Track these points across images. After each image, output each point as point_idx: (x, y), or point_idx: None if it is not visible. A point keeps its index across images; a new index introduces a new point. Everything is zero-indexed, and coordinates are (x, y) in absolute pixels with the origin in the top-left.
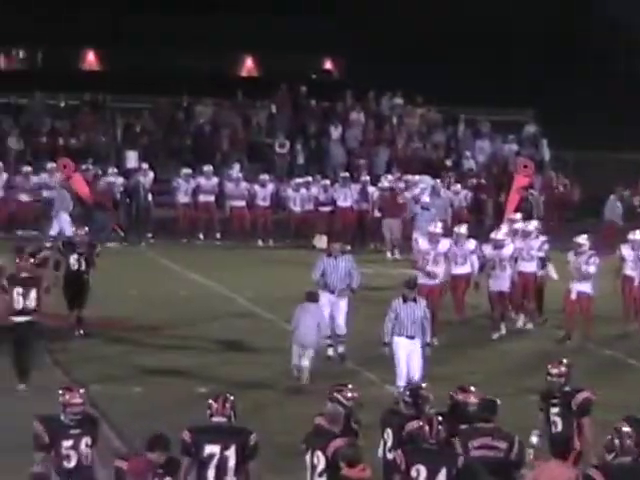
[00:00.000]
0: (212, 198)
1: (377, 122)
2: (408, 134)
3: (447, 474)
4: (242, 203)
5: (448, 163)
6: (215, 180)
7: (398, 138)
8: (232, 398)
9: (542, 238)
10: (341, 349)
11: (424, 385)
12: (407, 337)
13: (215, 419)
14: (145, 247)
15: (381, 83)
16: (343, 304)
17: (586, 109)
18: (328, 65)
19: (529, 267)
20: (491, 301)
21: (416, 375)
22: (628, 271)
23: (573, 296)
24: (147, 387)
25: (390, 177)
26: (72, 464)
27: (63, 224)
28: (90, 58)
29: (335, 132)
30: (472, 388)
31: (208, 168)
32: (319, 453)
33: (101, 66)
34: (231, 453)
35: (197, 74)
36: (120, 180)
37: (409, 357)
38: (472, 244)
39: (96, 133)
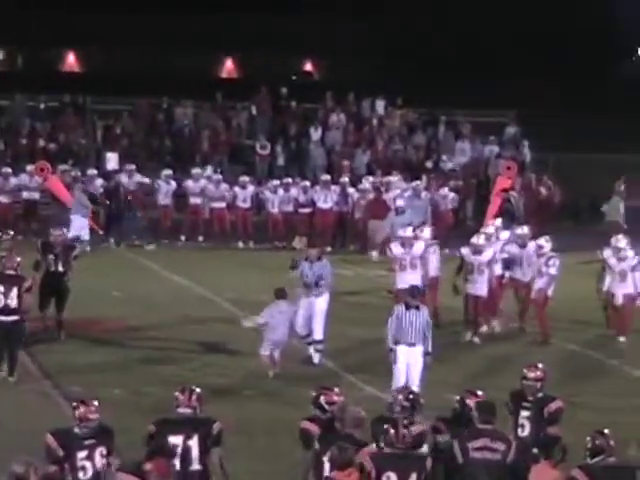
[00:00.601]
0: (200, 200)
1: (357, 124)
2: (388, 136)
3: (417, 478)
4: (222, 205)
5: (428, 165)
6: (203, 182)
7: (378, 140)
8: (198, 390)
9: (501, 241)
10: (317, 359)
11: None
12: (408, 345)
13: (181, 410)
14: (124, 248)
15: (361, 85)
16: (319, 307)
17: (567, 110)
18: (308, 67)
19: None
20: (466, 304)
21: (415, 382)
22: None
23: (533, 295)
24: (126, 389)
25: (371, 179)
26: (88, 475)
27: (80, 229)
28: (70, 60)
29: (315, 134)
30: (480, 392)
31: (196, 171)
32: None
33: (81, 68)
34: (194, 443)
35: (177, 75)
36: (100, 182)
37: (409, 365)
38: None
39: (76, 135)
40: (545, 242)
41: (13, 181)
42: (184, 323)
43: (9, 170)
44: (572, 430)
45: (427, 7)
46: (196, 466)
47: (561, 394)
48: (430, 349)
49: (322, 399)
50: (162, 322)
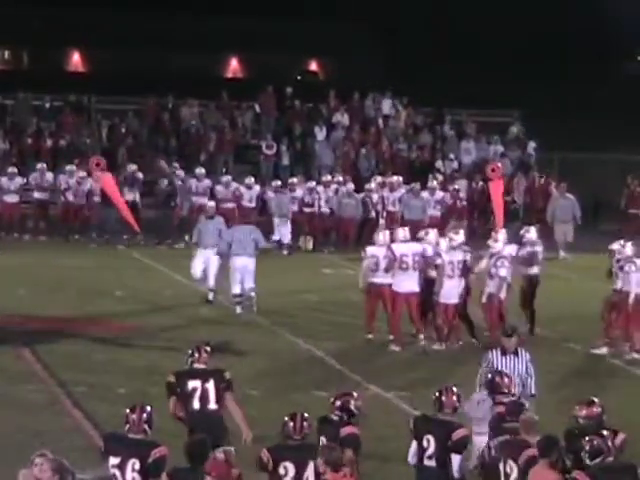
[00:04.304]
0: (205, 200)
1: (362, 123)
2: (393, 135)
3: (314, 467)
4: (231, 205)
5: (439, 164)
6: (207, 182)
7: (383, 139)
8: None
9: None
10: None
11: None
12: None
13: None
14: (129, 247)
15: (366, 84)
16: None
17: (572, 110)
18: (314, 66)
19: None
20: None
21: None
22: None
23: (484, 299)
24: (132, 389)
25: (379, 178)
26: None
27: (284, 231)
28: (75, 59)
29: (320, 133)
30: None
31: (200, 170)
32: (511, 462)
33: (86, 67)
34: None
35: (182, 75)
36: None
37: None
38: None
39: (81, 134)
40: (493, 242)
41: (18, 181)
42: (189, 323)
43: (15, 170)
44: None
45: (434, 8)
46: None
47: (572, 394)
48: (534, 391)
49: (353, 404)
50: (167, 322)
